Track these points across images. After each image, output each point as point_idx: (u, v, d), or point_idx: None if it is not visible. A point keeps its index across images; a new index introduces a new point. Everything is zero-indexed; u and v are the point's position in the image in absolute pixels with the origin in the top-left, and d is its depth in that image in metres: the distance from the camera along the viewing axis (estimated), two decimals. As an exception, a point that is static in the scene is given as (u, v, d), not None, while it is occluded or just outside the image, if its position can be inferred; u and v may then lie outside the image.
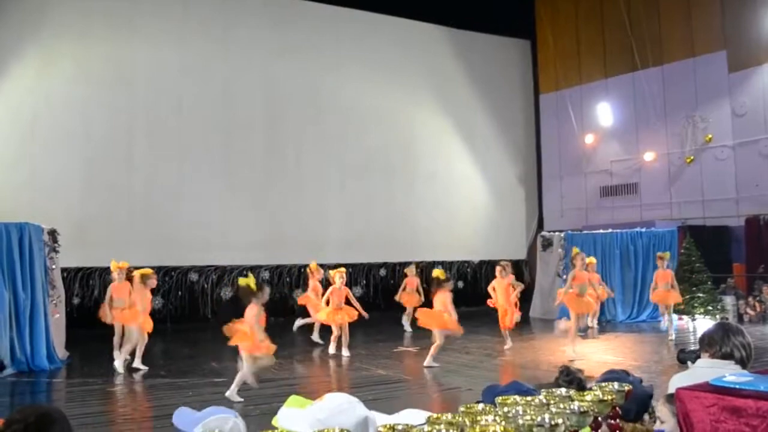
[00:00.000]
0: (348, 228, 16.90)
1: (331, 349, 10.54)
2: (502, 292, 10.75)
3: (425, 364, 9.15)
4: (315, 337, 11.66)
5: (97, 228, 14.00)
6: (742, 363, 3.16)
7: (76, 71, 14.43)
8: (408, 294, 13.51)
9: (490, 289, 11.01)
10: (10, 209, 11.92)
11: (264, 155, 16.23)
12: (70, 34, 14.40)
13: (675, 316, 13.74)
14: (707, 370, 3.02)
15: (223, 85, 15.87)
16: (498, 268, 10.86)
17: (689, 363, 3.95)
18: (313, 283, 11.63)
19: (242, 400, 7.23)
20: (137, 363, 9.36)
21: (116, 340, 9.81)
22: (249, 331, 7.11)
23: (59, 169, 14.02)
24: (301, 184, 16.58)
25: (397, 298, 13.66)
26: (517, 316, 10.93)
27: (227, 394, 7.26)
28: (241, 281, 7.47)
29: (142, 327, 9.47)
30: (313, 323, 11.74)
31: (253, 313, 7.20)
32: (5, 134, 13.71)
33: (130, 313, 9.53)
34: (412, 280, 13.59)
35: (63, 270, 11.43)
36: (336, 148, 17.09)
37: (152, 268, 14.48)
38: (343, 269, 10.81)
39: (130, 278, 9.79)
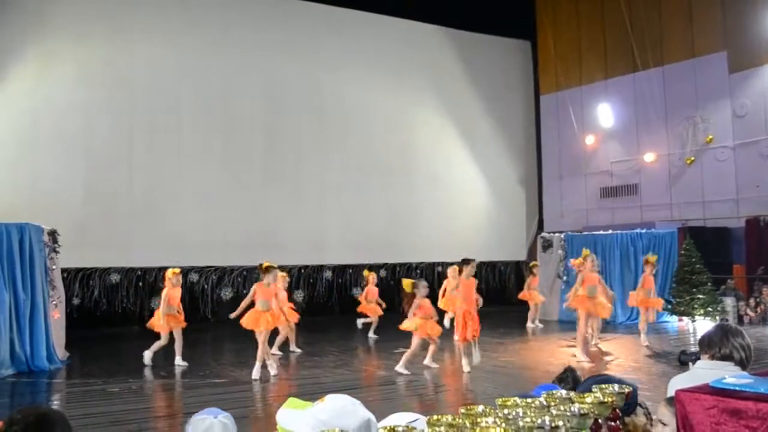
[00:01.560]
0: (347, 229, 16.91)
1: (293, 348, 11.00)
2: (466, 293, 9.15)
3: (643, 343, 10.87)
4: (370, 334, 12.52)
5: (97, 229, 14.01)
6: (742, 364, 3.15)
7: (76, 73, 14.44)
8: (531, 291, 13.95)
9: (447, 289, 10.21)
10: (11, 210, 11.94)
11: (264, 156, 16.24)
12: (69, 36, 14.41)
13: (674, 319, 13.77)
14: (707, 371, 3.01)
15: (223, 86, 15.88)
16: (451, 269, 9.98)
17: (690, 364, 3.95)
18: (369, 287, 12.79)
19: (408, 372, 8.67)
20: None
21: (177, 344, 9.85)
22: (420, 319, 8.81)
23: (59, 170, 14.03)
24: (301, 184, 16.59)
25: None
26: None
27: (397, 368, 8.77)
28: (404, 284, 9.10)
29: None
30: (370, 322, 12.73)
31: (417, 304, 8.79)
32: (6, 135, 13.72)
33: (177, 318, 9.88)
34: (535, 279, 13.94)
35: (63, 270, 11.44)
36: (336, 148, 17.09)
37: (152, 268, 14.64)
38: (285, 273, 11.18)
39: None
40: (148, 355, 9.75)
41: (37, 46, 14.05)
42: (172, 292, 9.94)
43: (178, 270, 10.21)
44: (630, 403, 2.76)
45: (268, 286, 8.86)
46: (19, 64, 13.89)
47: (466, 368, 8.81)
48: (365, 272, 13.31)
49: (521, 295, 14.49)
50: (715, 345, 3.22)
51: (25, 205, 12.76)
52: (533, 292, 14.06)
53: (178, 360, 9.80)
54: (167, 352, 10.21)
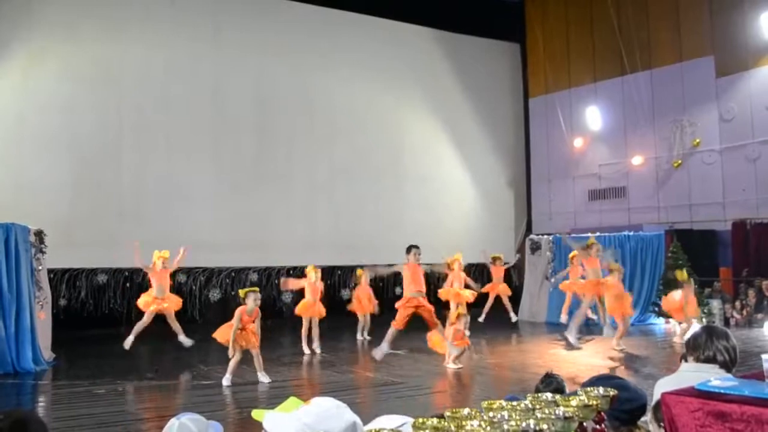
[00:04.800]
0: (337, 230, 16.89)
1: (306, 349, 10.92)
2: (413, 276, 9.74)
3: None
4: (359, 336, 12.61)
5: (84, 229, 13.92)
6: (726, 367, 3.16)
7: (64, 70, 14.34)
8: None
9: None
10: (-4, 209, 11.83)
11: (253, 156, 16.20)
12: (58, 33, 14.31)
13: (661, 321, 13.83)
14: (691, 374, 3.03)
15: (213, 86, 15.83)
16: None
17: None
18: (362, 286, 12.88)
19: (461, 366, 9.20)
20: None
21: (174, 326, 10.46)
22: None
23: (46, 169, 13.93)
24: (291, 185, 16.56)
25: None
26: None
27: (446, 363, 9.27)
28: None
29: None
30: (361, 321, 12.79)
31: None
32: (-8, 133, 13.62)
33: (164, 301, 10.35)
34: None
35: (50, 271, 11.36)
36: (326, 149, 17.08)
37: (140, 269, 14.56)
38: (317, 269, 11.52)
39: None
40: (129, 340, 10.23)
41: (25, 43, 13.95)
42: (155, 274, 10.39)
43: (165, 253, 10.56)
44: (636, 411, 2.74)
45: (251, 314, 8.53)
46: (5, 60, 13.79)
47: (378, 355, 9.25)
48: (359, 271, 13.31)
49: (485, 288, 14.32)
50: (700, 347, 3.24)
51: (11, 205, 12.64)
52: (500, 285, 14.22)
53: (182, 338, 10.41)
54: (154, 351, 10.20)
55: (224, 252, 15.42)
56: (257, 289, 8.93)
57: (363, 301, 12.65)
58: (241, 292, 8.70)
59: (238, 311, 8.50)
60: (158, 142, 15.13)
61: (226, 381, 8.37)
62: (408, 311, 9.26)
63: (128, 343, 10.10)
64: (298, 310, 11.21)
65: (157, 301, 10.28)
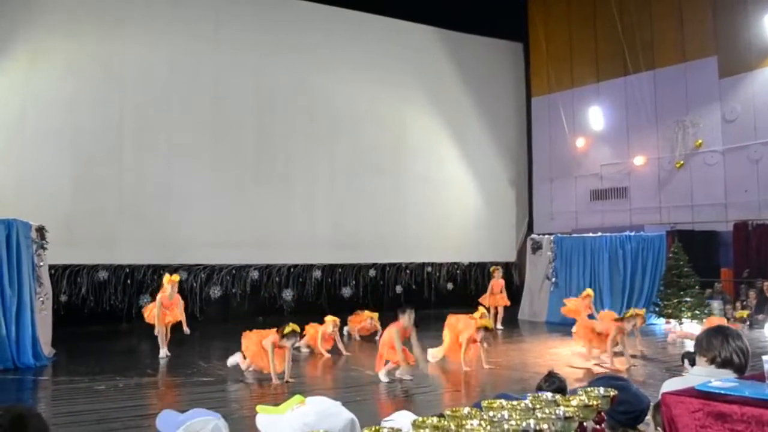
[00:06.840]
0: (338, 228, 16.88)
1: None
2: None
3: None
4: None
5: (85, 226, 13.93)
6: (740, 370, 2.99)
7: (66, 68, 14.33)
8: (494, 295, 13.85)
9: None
10: (-2, 205, 11.84)
11: (254, 154, 16.19)
12: (59, 30, 14.30)
13: (661, 321, 13.82)
14: (704, 378, 2.92)
15: (214, 84, 15.81)
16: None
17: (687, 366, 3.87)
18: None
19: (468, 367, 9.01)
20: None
21: (161, 337, 10.27)
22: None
23: (48, 166, 13.93)
24: (291, 183, 16.55)
25: (484, 301, 13.62)
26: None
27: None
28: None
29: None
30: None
31: None
32: (-6, 130, 13.62)
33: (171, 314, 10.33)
34: (498, 282, 13.87)
35: (51, 267, 11.36)
36: (326, 148, 17.06)
37: (141, 266, 14.61)
38: (337, 318, 10.88)
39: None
40: (163, 351, 10.17)
41: (26, 42, 13.93)
42: (164, 299, 10.22)
43: (175, 278, 10.42)
44: (638, 415, 2.73)
45: (281, 347, 8.33)
46: (7, 58, 13.78)
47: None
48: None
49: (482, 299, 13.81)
50: (715, 348, 3.03)
51: (13, 201, 12.65)
52: (497, 296, 13.88)
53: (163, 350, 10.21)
54: (154, 348, 10.21)
55: (225, 250, 15.43)
56: (299, 330, 8.49)
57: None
58: (286, 330, 8.22)
59: (271, 343, 8.23)
60: (159, 139, 15.12)
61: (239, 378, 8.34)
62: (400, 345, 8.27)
63: (163, 353, 10.17)
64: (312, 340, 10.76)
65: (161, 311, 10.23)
